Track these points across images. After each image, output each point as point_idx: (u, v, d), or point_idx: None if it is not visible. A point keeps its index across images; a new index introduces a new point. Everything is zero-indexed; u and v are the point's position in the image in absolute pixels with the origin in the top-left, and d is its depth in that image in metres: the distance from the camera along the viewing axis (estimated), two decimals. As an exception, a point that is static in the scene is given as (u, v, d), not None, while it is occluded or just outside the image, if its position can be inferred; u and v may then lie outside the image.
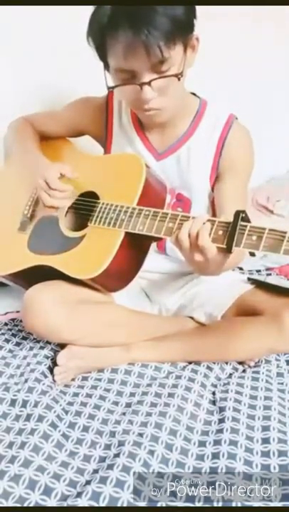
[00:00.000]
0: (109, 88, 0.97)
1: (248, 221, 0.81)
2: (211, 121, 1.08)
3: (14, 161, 1.25)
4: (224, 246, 0.81)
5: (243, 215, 0.80)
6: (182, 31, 0.90)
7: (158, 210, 0.92)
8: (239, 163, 1.08)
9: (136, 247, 1.00)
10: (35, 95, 1.42)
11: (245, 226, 0.79)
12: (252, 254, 0.82)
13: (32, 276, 1.03)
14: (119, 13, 0.88)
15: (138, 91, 0.94)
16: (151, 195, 1.00)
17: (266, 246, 0.77)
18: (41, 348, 1.09)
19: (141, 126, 1.12)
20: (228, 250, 0.80)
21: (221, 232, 0.82)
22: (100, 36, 0.92)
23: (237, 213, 0.80)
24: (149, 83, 0.92)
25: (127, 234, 0.96)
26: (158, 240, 0.99)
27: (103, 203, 1.01)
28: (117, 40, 0.89)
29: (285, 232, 0.76)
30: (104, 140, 1.17)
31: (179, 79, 0.93)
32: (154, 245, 1.17)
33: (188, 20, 0.92)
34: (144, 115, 1.01)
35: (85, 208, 1.06)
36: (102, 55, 0.95)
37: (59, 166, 1.05)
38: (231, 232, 0.80)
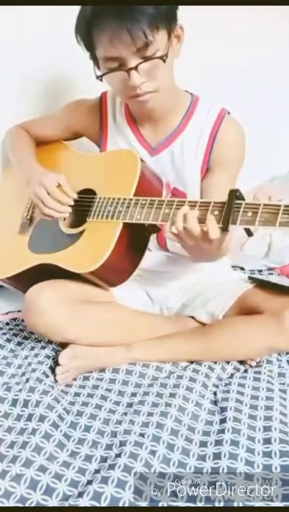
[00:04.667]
0: (97, 77, 0.99)
1: (243, 199, 0.82)
2: (203, 116, 1.09)
3: (12, 168, 1.27)
4: (221, 225, 0.81)
5: (238, 193, 0.82)
6: (165, 17, 0.93)
7: (154, 198, 0.94)
8: (229, 156, 1.09)
9: (135, 238, 1.00)
10: (35, 92, 1.42)
11: (240, 204, 0.81)
12: (249, 234, 0.82)
13: (33, 278, 1.04)
14: (104, 3, 0.91)
15: (126, 78, 0.95)
16: (147, 188, 1.01)
17: (262, 221, 0.78)
18: (43, 347, 1.09)
19: (134, 122, 1.13)
20: (224, 228, 0.81)
21: (217, 212, 0.83)
22: (86, 29, 0.95)
23: (231, 192, 0.82)
24: (135, 68, 0.94)
25: (126, 225, 0.97)
26: (157, 231, 0.99)
27: (100, 198, 1.02)
28: (102, 29, 0.92)
29: (280, 206, 0.76)
30: (100, 140, 1.18)
31: (164, 61, 0.95)
32: (155, 243, 1.17)
33: (170, 8, 0.95)
34: (137, 102, 1.02)
35: (83, 205, 1.06)
36: (90, 48, 0.98)
37: (55, 176, 1.05)
38: (227, 210, 0.81)
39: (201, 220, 0.85)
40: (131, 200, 0.96)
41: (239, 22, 1.62)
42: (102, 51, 0.95)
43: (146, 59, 0.94)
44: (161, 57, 0.94)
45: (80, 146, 1.26)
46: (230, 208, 0.81)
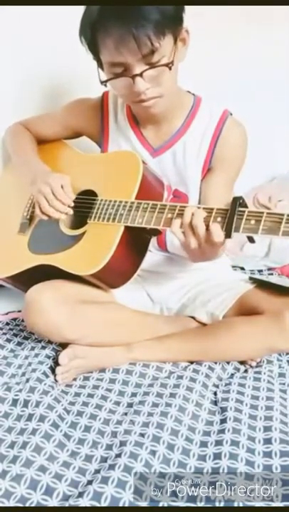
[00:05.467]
0: (102, 82, 0.98)
1: (246, 206, 0.82)
2: (206, 117, 1.09)
3: (12, 167, 1.26)
4: (223, 232, 0.81)
5: (241, 200, 0.81)
6: (171, 22, 0.92)
7: (156, 202, 0.93)
8: (231, 158, 1.09)
9: (136, 242, 1.00)
10: (35, 91, 1.42)
11: (243, 211, 0.81)
12: (251, 241, 0.82)
13: (33, 278, 1.04)
14: (109, 7, 0.90)
15: (131, 84, 0.95)
16: (149, 191, 1.01)
17: (265, 229, 0.78)
18: (43, 347, 1.09)
19: (136, 123, 1.13)
20: (227, 236, 0.81)
21: (219, 219, 0.83)
22: (91, 32, 0.94)
23: (235, 199, 0.82)
24: (140, 74, 0.93)
25: (127, 228, 0.97)
26: (158, 234, 0.99)
27: (101, 200, 1.02)
28: (108, 34, 0.91)
29: (283, 214, 0.76)
30: (101, 140, 1.17)
31: (170, 68, 0.94)
32: (155, 244, 1.17)
33: (177, 13, 0.94)
34: (141, 107, 1.02)
35: (84, 206, 1.06)
36: (95, 51, 0.97)
37: (61, 177, 1.06)
38: (230, 217, 0.81)
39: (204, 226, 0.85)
40: (132, 203, 0.96)
41: (240, 22, 1.62)
42: (107, 56, 0.94)
43: (151, 65, 0.93)
44: (167, 65, 0.94)
45: (80, 146, 1.26)
46: (233, 216, 0.81)
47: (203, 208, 0.86)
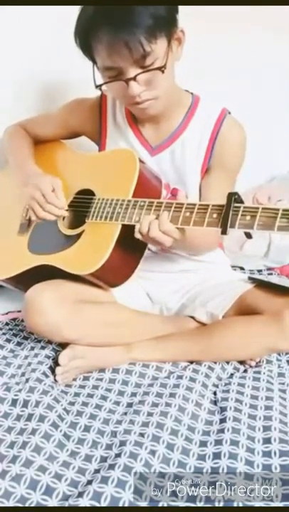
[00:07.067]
0: (96, 86, 0.99)
1: (242, 202, 0.82)
2: (204, 116, 1.09)
3: (10, 169, 1.26)
4: (219, 228, 0.82)
5: (236, 196, 0.81)
6: (163, 25, 0.92)
7: (153, 200, 0.93)
8: (229, 157, 1.10)
9: (134, 239, 1.00)
10: (33, 91, 1.43)
11: (239, 207, 0.81)
12: (248, 237, 0.82)
13: (33, 278, 1.04)
14: (100, 13, 0.90)
15: (125, 87, 0.95)
16: (147, 189, 1.01)
17: (260, 224, 0.78)
18: (42, 347, 1.09)
19: (135, 122, 1.13)
20: (223, 232, 0.81)
21: (215, 215, 0.83)
22: (85, 37, 0.95)
23: (230, 195, 0.82)
24: (134, 78, 0.94)
25: (124, 226, 0.97)
26: None
27: (99, 199, 1.02)
28: (100, 40, 0.91)
29: (278, 209, 0.76)
30: (99, 139, 1.18)
31: (162, 72, 0.94)
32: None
33: (169, 15, 0.94)
34: (137, 109, 1.02)
35: (81, 206, 1.06)
36: (90, 55, 0.97)
37: (51, 180, 1.05)
38: (225, 213, 0.81)
39: (198, 223, 0.85)
40: (130, 201, 0.96)
41: (239, 21, 1.62)
42: (100, 61, 0.95)
43: (145, 69, 0.93)
44: (159, 68, 0.94)
45: (79, 146, 1.26)
46: (229, 211, 0.81)
47: (199, 205, 0.86)
